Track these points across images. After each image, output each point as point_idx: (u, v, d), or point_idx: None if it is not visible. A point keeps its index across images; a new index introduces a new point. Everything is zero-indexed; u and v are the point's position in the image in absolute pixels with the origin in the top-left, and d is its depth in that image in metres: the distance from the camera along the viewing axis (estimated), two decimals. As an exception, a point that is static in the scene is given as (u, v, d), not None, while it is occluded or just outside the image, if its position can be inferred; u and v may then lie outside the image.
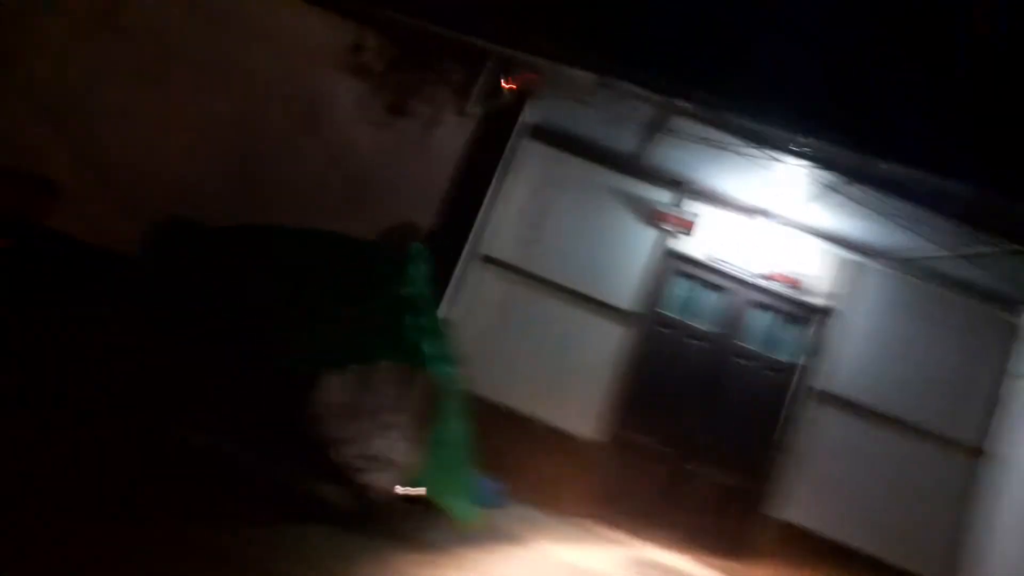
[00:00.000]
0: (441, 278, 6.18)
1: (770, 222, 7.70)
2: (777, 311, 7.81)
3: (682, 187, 7.68)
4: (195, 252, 5.44)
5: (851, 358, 7.60)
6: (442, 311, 6.34)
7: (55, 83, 6.34)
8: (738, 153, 6.26)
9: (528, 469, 7.17)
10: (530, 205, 7.76)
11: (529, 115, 7.04)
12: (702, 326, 7.75)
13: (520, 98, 6.72)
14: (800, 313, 7.77)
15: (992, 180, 5.25)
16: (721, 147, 6.28)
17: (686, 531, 7.42)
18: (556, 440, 7.43)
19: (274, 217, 5.66)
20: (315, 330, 5.04)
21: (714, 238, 7.73)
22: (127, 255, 5.53)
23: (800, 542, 7.35)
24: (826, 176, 6.05)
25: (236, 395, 4.89)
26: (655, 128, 6.52)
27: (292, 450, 4.90)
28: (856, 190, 6.02)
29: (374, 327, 5.02)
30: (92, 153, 6.24)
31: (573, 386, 7.53)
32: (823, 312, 7.69)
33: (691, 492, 7.57)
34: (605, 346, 7.58)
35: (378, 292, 5.09)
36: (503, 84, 6.42)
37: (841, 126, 5.48)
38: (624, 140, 7.18)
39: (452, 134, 6.66)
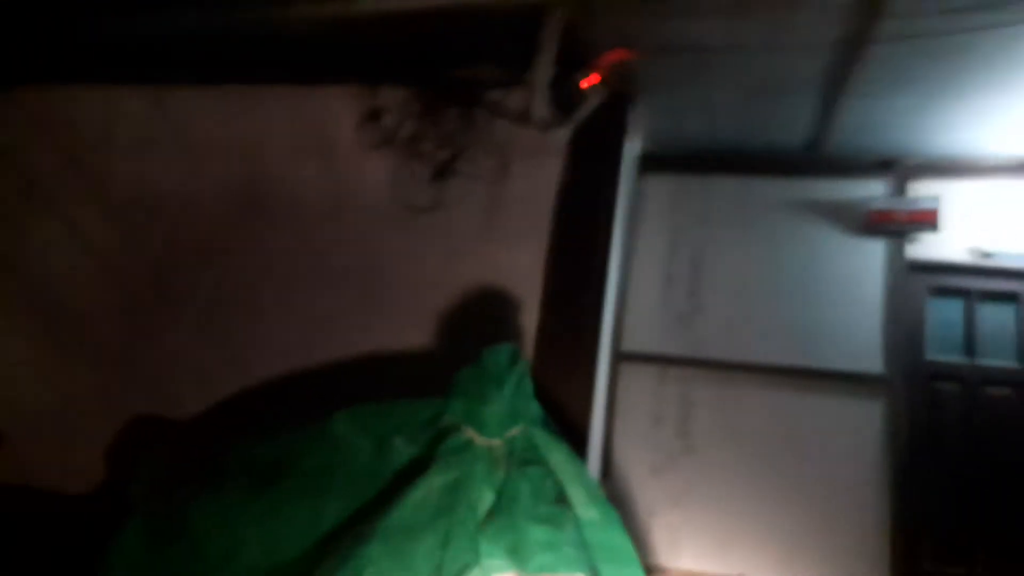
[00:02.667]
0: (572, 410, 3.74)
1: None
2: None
3: (900, 165, 5.00)
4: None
5: None
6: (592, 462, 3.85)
7: None
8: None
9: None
10: (673, 263, 5.27)
11: (633, 128, 4.71)
12: (1003, 362, 4.82)
13: (614, 107, 4.38)
14: None
15: None
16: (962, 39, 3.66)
17: None
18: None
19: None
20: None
21: (977, 223, 4.89)
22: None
23: None
24: None
25: None
26: (847, 64, 3.95)
27: None
28: None
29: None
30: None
31: (823, 526, 4.66)
32: None
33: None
34: (853, 441, 4.71)
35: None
36: (582, 85, 4.09)
37: None
38: (789, 117, 4.66)
39: (534, 187, 4.34)
